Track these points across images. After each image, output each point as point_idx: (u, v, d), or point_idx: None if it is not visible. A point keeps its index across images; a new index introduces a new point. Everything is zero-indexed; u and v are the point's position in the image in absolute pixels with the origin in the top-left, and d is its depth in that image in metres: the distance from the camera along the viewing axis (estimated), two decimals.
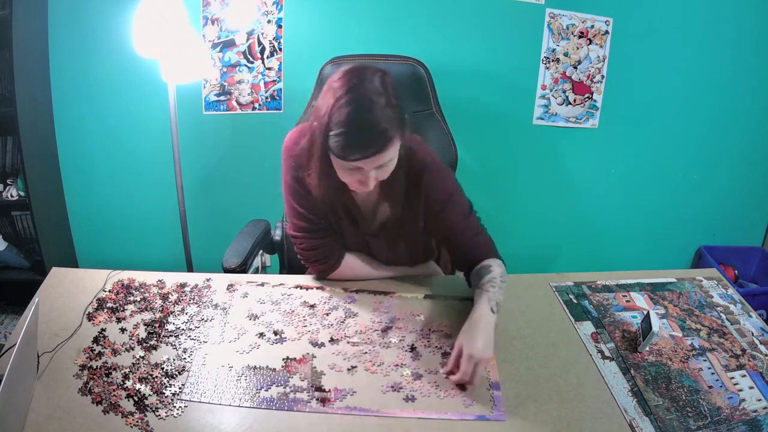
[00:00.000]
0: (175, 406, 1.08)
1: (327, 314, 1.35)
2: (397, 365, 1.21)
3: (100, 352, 1.20)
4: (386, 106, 1.14)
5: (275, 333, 1.28)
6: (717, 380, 1.22)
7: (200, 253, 2.33)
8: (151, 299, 1.37)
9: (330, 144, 1.15)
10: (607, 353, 1.27)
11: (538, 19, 2.27)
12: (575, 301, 1.44)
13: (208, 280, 1.45)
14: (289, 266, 1.84)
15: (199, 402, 1.10)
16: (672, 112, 2.45)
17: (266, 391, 1.13)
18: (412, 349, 1.25)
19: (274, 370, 1.18)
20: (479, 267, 1.34)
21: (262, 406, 1.10)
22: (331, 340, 1.27)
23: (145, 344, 1.23)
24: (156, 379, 1.14)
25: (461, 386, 1.15)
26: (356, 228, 1.42)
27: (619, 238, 2.67)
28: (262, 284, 1.45)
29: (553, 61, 2.33)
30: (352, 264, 1.45)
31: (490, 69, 2.33)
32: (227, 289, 1.43)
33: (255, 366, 1.19)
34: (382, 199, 1.36)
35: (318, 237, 1.40)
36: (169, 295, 1.39)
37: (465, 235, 1.37)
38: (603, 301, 1.44)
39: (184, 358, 1.20)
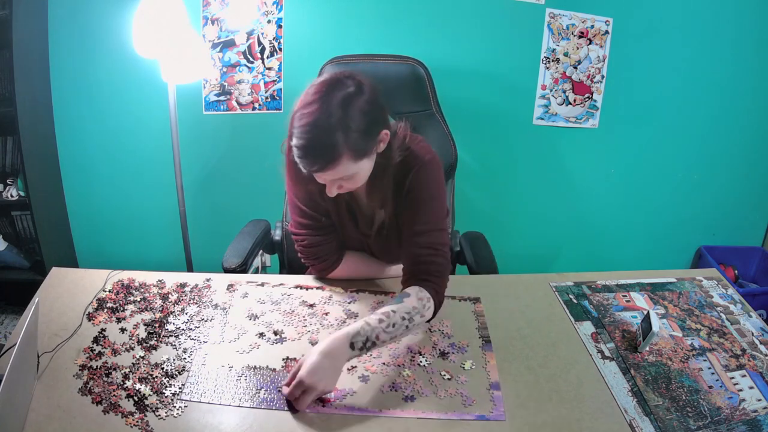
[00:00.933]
0: (175, 406, 1.08)
1: (327, 314, 1.35)
2: (397, 365, 1.21)
3: (100, 352, 1.20)
4: (337, 127, 1.12)
5: (275, 333, 1.28)
6: (717, 380, 1.22)
7: (200, 253, 2.34)
8: (151, 299, 1.37)
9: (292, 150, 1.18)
10: (607, 353, 1.27)
11: (538, 19, 2.27)
12: (575, 301, 1.44)
13: (208, 280, 1.45)
14: (289, 266, 1.84)
15: (199, 402, 1.10)
16: (672, 112, 2.45)
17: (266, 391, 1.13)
18: (413, 349, 1.25)
19: (274, 370, 1.18)
20: (402, 291, 1.27)
21: (262, 406, 1.10)
22: None
23: (145, 344, 1.23)
24: (156, 379, 1.14)
25: (291, 406, 1.09)
26: (357, 228, 1.43)
27: (619, 238, 2.67)
28: (262, 284, 1.45)
29: (553, 61, 2.33)
30: (351, 263, 1.45)
31: (490, 69, 2.34)
32: (227, 289, 1.43)
33: (255, 366, 1.19)
34: (369, 201, 1.36)
35: (319, 235, 1.40)
36: (169, 295, 1.39)
37: (420, 241, 1.29)
38: (603, 301, 1.44)
39: (184, 358, 1.20)
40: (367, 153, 1.19)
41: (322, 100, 1.13)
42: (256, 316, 1.33)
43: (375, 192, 1.31)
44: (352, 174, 1.19)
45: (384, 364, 1.21)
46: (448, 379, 1.18)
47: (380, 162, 1.25)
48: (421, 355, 1.24)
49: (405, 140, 1.30)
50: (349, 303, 1.39)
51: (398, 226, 1.37)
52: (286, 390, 1.10)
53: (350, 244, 1.46)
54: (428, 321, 1.29)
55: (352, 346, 1.12)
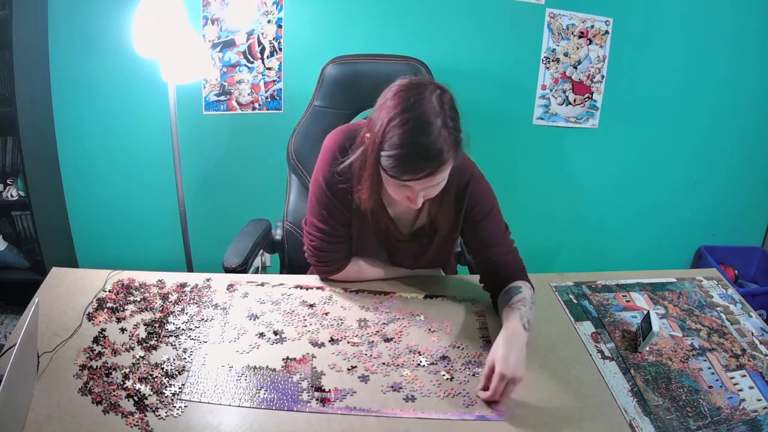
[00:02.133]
0: (175, 406, 1.08)
1: (327, 314, 1.35)
2: (397, 365, 1.21)
3: (100, 352, 1.20)
4: (443, 128, 1.10)
5: (275, 333, 1.28)
6: (717, 380, 1.22)
7: (200, 253, 2.33)
8: (151, 299, 1.37)
9: (382, 162, 1.14)
10: (607, 353, 1.27)
11: (538, 19, 2.27)
12: (575, 301, 1.44)
13: (208, 280, 1.45)
14: (289, 266, 1.84)
15: (199, 402, 1.10)
16: (672, 112, 2.45)
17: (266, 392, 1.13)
18: (413, 349, 1.25)
19: (274, 370, 1.18)
20: (509, 287, 1.30)
21: (262, 406, 1.10)
22: (331, 340, 1.27)
23: (145, 344, 1.23)
24: (156, 379, 1.14)
25: (490, 403, 1.11)
26: (381, 235, 1.41)
27: (619, 238, 2.67)
28: (262, 284, 1.45)
29: (553, 61, 2.33)
30: (353, 268, 1.45)
31: (490, 69, 2.34)
32: (227, 289, 1.43)
33: (255, 366, 1.19)
34: (429, 210, 1.34)
35: (332, 242, 1.39)
36: (169, 295, 1.39)
37: (500, 250, 1.35)
38: (603, 301, 1.44)
39: (184, 358, 1.20)
40: (461, 153, 1.18)
41: (418, 104, 1.11)
42: (256, 316, 1.33)
43: (442, 201, 1.28)
44: (444, 179, 1.17)
45: (384, 364, 1.21)
46: (448, 379, 1.18)
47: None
48: (421, 355, 1.24)
49: None
50: (349, 303, 1.39)
51: (439, 231, 1.37)
52: (486, 394, 1.11)
53: (363, 253, 1.45)
54: None
55: (524, 327, 1.19)
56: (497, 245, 1.35)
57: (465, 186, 1.32)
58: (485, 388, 1.12)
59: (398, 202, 1.27)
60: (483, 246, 1.36)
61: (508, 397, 1.11)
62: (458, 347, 1.26)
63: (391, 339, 1.28)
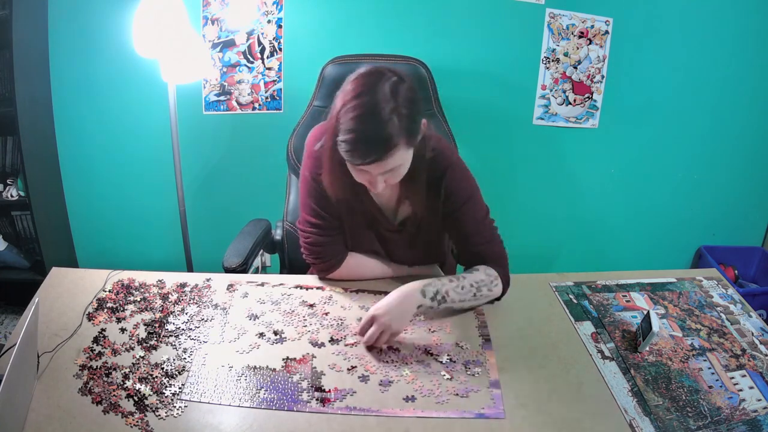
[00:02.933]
0: (175, 406, 1.08)
1: (327, 314, 1.35)
2: (397, 365, 1.21)
3: (100, 352, 1.20)
4: (392, 114, 1.13)
5: (275, 333, 1.28)
6: (717, 380, 1.22)
7: (200, 253, 2.33)
8: (151, 299, 1.37)
9: (338, 148, 1.17)
10: (607, 353, 1.27)
11: (538, 19, 2.27)
12: (575, 301, 1.44)
13: (208, 280, 1.45)
14: (289, 266, 1.84)
15: (199, 402, 1.10)
16: (672, 112, 2.45)
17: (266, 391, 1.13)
18: (412, 348, 1.25)
19: (274, 370, 1.18)
20: (472, 268, 1.35)
21: (262, 406, 1.10)
22: (331, 340, 1.27)
23: (145, 344, 1.23)
24: (156, 379, 1.14)
25: (369, 348, 1.21)
26: (372, 226, 1.43)
27: (619, 238, 2.67)
28: (262, 284, 1.45)
29: (553, 61, 2.33)
30: (352, 264, 1.45)
31: (490, 69, 2.34)
32: (227, 289, 1.43)
33: (255, 366, 1.19)
34: (403, 197, 1.37)
35: (326, 235, 1.41)
36: (169, 295, 1.39)
37: (476, 239, 1.36)
38: (603, 301, 1.44)
39: (184, 358, 1.20)
40: (416, 141, 1.20)
41: (370, 91, 1.14)
42: (256, 316, 1.33)
43: (411, 186, 1.31)
44: (400, 164, 1.20)
45: (384, 364, 1.21)
46: (448, 379, 1.18)
47: (415, 155, 1.25)
48: (421, 354, 1.24)
49: (432, 139, 1.32)
50: (349, 303, 1.39)
51: (426, 222, 1.39)
52: (359, 337, 1.21)
53: (359, 246, 1.46)
54: (497, 299, 1.37)
55: (423, 293, 1.23)
56: (474, 234, 1.36)
57: (441, 175, 1.34)
58: (362, 334, 1.22)
59: (377, 192, 1.30)
60: (461, 235, 1.38)
61: (380, 342, 1.20)
62: (458, 347, 1.26)
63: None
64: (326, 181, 1.30)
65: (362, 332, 1.23)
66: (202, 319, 1.31)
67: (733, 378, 1.23)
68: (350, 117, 1.14)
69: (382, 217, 1.41)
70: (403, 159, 1.19)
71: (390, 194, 1.38)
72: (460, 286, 1.28)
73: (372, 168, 1.17)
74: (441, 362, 1.22)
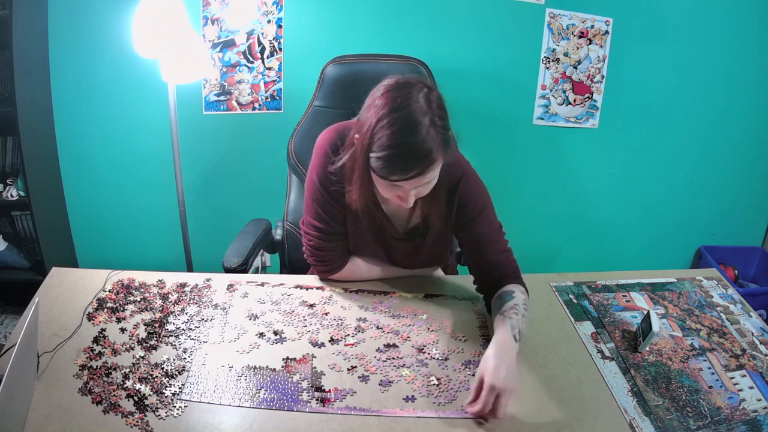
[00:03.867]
0: (175, 406, 1.08)
1: (327, 314, 1.35)
2: (397, 365, 1.21)
3: (100, 352, 1.20)
4: (431, 127, 1.10)
5: (275, 333, 1.28)
6: (717, 380, 1.22)
7: (200, 253, 2.33)
8: (151, 299, 1.37)
9: (372, 163, 1.14)
10: (607, 353, 1.27)
11: (538, 19, 2.27)
12: (575, 301, 1.44)
13: (208, 280, 1.45)
14: (289, 266, 1.84)
15: (199, 402, 1.10)
16: (672, 112, 2.45)
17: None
18: (413, 348, 1.25)
19: (274, 370, 1.18)
20: (501, 291, 1.28)
21: (262, 406, 1.10)
22: (331, 340, 1.27)
23: (145, 344, 1.23)
24: (156, 379, 1.14)
25: (483, 418, 1.07)
26: (378, 235, 1.41)
27: (619, 238, 2.67)
28: (262, 284, 1.45)
29: (553, 61, 2.33)
30: (353, 267, 1.45)
31: (490, 69, 2.33)
32: (227, 289, 1.43)
33: (255, 366, 1.19)
34: (421, 208, 1.33)
35: (329, 240, 1.39)
36: (169, 295, 1.39)
37: (493, 249, 1.33)
38: (603, 301, 1.44)
39: (184, 358, 1.20)
40: (451, 151, 1.17)
41: (405, 104, 1.11)
42: (256, 316, 1.33)
43: (432, 198, 1.27)
44: (434, 177, 1.16)
45: (384, 363, 1.21)
46: (449, 378, 1.18)
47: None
48: (421, 354, 1.24)
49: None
50: (350, 303, 1.39)
51: (433, 229, 1.37)
52: (473, 408, 1.07)
53: (361, 251, 1.45)
54: None
55: (514, 338, 1.16)
56: (490, 243, 1.33)
57: (456, 184, 1.31)
58: (475, 401, 1.08)
59: (390, 201, 1.27)
60: (475, 245, 1.35)
61: (498, 411, 1.06)
62: (458, 347, 1.26)
63: (392, 339, 1.28)
64: (354, 194, 1.26)
65: (485, 405, 1.07)
66: (202, 319, 1.31)
67: (733, 378, 1.23)
68: (388, 133, 1.10)
69: (390, 227, 1.40)
70: (438, 171, 1.16)
71: (396, 205, 1.33)
72: (523, 316, 1.22)
73: (409, 183, 1.14)
74: (441, 362, 1.22)
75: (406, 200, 1.19)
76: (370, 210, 1.35)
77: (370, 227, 1.40)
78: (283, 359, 1.21)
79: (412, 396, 1.13)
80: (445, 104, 1.17)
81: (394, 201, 1.23)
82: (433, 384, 1.16)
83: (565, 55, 2.33)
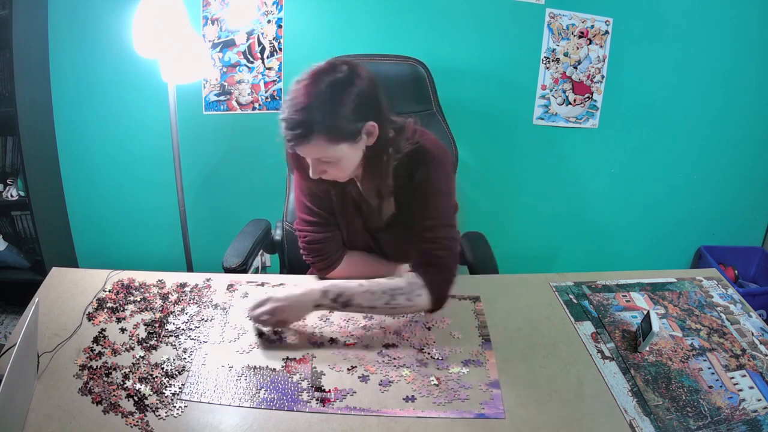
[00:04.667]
0: (175, 406, 1.08)
1: (327, 314, 1.35)
2: (397, 365, 1.21)
3: (100, 352, 1.20)
4: (315, 104, 1.16)
5: (275, 333, 1.28)
6: (717, 380, 1.22)
7: (200, 253, 2.33)
8: (151, 299, 1.37)
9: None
10: (607, 353, 1.27)
11: (538, 19, 2.27)
12: (575, 301, 1.44)
13: (208, 280, 1.45)
14: (289, 266, 1.84)
15: (199, 402, 1.10)
16: (672, 112, 2.45)
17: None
18: (413, 348, 1.25)
19: (274, 370, 1.18)
20: (397, 273, 1.34)
21: (262, 406, 1.10)
22: (331, 340, 1.27)
23: (145, 344, 1.23)
24: (156, 379, 1.14)
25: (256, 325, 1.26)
26: (364, 224, 1.43)
27: (619, 238, 2.67)
28: (262, 284, 1.45)
29: (553, 61, 2.33)
30: (351, 263, 1.45)
31: (490, 69, 2.33)
32: (227, 289, 1.43)
33: (255, 366, 1.19)
34: (373, 194, 1.37)
35: (322, 232, 1.41)
36: (169, 295, 1.39)
37: (427, 235, 1.31)
38: (603, 301, 1.44)
39: (184, 358, 1.20)
40: (345, 139, 1.20)
41: (310, 80, 1.18)
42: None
43: (369, 183, 1.33)
44: (333, 158, 1.21)
45: (384, 363, 1.21)
46: (448, 378, 1.18)
47: (374, 155, 1.26)
48: (421, 354, 1.24)
49: (414, 135, 1.32)
50: None
51: (406, 220, 1.38)
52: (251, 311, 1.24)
53: (355, 244, 1.46)
54: (427, 312, 1.32)
55: (325, 293, 1.25)
56: (428, 229, 1.31)
57: (417, 167, 1.32)
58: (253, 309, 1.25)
59: (359, 185, 1.33)
60: (417, 226, 1.32)
61: (264, 325, 1.25)
62: (458, 346, 1.26)
63: (391, 338, 1.28)
64: (294, 177, 1.37)
65: (254, 308, 1.25)
66: (202, 319, 1.31)
67: (733, 378, 1.23)
68: (286, 99, 1.19)
69: (371, 214, 1.41)
70: (330, 152, 1.19)
71: (373, 192, 1.37)
72: (370, 291, 1.25)
73: (301, 152, 1.22)
74: (441, 362, 1.22)
75: (311, 171, 1.25)
76: (354, 200, 1.39)
77: (355, 216, 1.42)
78: (283, 359, 1.21)
79: (412, 396, 1.13)
80: (362, 98, 1.19)
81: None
82: (433, 384, 1.16)
83: (565, 55, 2.33)
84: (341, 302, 1.25)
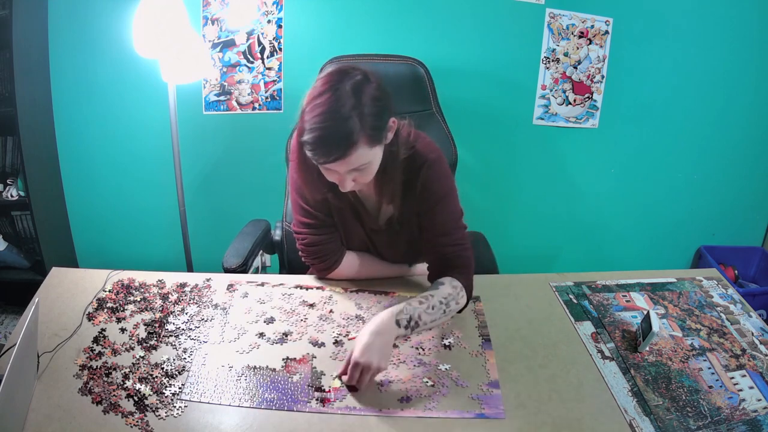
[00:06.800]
0: (175, 406, 1.08)
1: (327, 314, 1.35)
2: (397, 365, 1.21)
3: (100, 352, 1.20)
4: (352, 111, 1.13)
5: (275, 333, 1.28)
6: (717, 380, 1.22)
7: (200, 253, 2.33)
8: (151, 299, 1.37)
9: (305, 149, 1.17)
10: (607, 353, 1.27)
11: (538, 19, 2.27)
12: (575, 301, 1.44)
13: (208, 280, 1.45)
14: (289, 266, 1.84)
15: (199, 402, 1.10)
16: (672, 112, 2.45)
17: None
18: (412, 348, 1.25)
19: (274, 370, 1.18)
20: (436, 281, 1.31)
21: (262, 406, 1.10)
22: (332, 341, 1.27)
23: (145, 344, 1.23)
24: (156, 379, 1.14)
25: (351, 388, 1.13)
26: (361, 225, 1.43)
27: (619, 238, 2.67)
28: (262, 284, 1.45)
29: (553, 61, 2.33)
30: (351, 263, 1.45)
31: (490, 69, 2.33)
32: (227, 289, 1.43)
33: (255, 366, 1.19)
34: (378, 196, 1.36)
35: (320, 233, 1.41)
36: (169, 295, 1.39)
37: (444, 240, 1.34)
38: (603, 301, 1.44)
39: (184, 358, 1.20)
40: (380, 140, 1.19)
41: (332, 89, 1.14)
42: (257, 315, 1.33)
43: (384, 185, 1.30)
44: (367, 163, 1.19)
45: None
46: (448, 378, 1.18)
47: (388, 155, 1.25)
48: (420, 354, 1.24)
49: (410, 137, 1.31)
50: (349, 303, 1.39)
51: (408, 221, 1.38)
52: (344, 378, 1.14)
53: (353, 245, 1.46)
54: (460, 311, 1.34)
55: (398, 323, 1.18)
56: (444, 234, 1.34)
57: (417, 171, 1.32)
58: (345, 373, 1.14)
59: (355, 188, 1.29)
60: (430, 233, 1.35)
61: (361, 386, 1.12)
62: (457, 346, 1.26)
63: None
64: (299, 181, 1.32)
65: (345, 373, 1.15)
66: (202, 319, 1.31)
67: (733, 378, 1.23)
68: (312, 115, 1.14)
69: (367, 215, 1.41)
70: (368, 157, 1.18)
71: (370, 194, 1.37)
72: (431, 306, 1.23)
73: (337, 166, 1.16)
74: (440, 362, 1.22)
75: (343, 184, 1.21)
76: (350, 202, 1.38)
77: (353, 216, 1.41)
78: (283, 359, 1.21)
79: (412, 396, 1.13)
80: (382, 94, 1.18)
81: (336, 182, 1.24)
82: (433, 383, 1.16)
83: (565, 55, 2.33)
84: (412, 326, 1.20)
